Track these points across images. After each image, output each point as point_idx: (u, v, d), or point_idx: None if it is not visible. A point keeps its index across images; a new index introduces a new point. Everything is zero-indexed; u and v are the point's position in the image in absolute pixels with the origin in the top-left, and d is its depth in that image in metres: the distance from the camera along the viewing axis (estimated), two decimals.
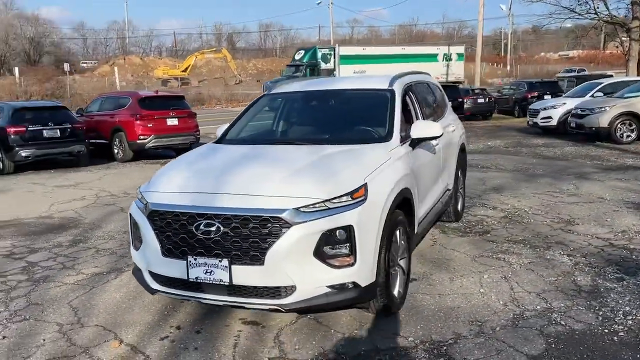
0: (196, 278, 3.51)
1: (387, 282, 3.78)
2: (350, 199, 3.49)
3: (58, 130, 12.21)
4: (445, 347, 3.52)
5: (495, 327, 3.78)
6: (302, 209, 3.37)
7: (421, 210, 4.70)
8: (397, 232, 4.01)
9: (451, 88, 22.11)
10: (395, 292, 4.01)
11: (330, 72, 32.56)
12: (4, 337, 3.91)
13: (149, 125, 12.93)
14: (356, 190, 3.54)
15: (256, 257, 3.36)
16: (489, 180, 9.19)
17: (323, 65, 33.77)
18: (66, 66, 41.50)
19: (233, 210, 3.43)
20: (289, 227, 3.33)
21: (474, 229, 6.26)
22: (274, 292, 3.43)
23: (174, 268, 3.59)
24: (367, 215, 3.52)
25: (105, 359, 3.54)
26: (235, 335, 3.80)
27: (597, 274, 4.71)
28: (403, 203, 4.16)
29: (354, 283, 3.48)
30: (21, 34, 76.19)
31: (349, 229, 3.41)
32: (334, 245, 3.42)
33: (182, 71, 63.21)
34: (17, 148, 11.70)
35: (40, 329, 4.02)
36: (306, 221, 3.35)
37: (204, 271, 3.48)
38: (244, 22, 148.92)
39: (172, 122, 13.38)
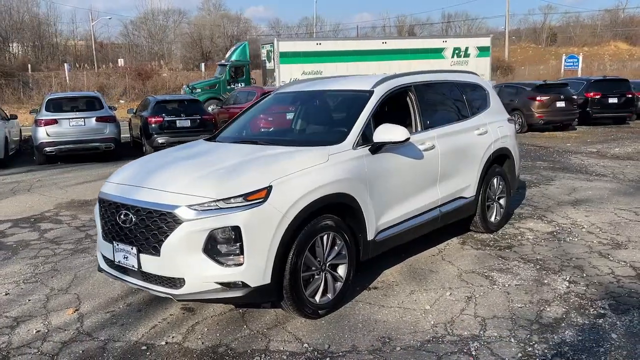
0: (119, 262, 3.95)
1: (296, 285, 3.80)
2: (243, 200, 3.60)
3: (189, 121, 13.72)
4: (328, 359, 3.46)
5: (396, 347, 3.59)
6: (193, 207, 3.59)
7: (385, 217, 4.54)
8: (325, 237, 3.99)
9: (617, 81, 19.44)
10: (317, 298, 3.99)
11: (271, 74, 27.09)
12: (6, 294, 4.77)
13: None
14: (253, 192, 3.64)
15: (155, 248, 3.67)
16: (579, 191, 8.17)
17: (268, 65, 27.44)
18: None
19: (142, 203, 3.78)
20: (180, 223, 3.58)
21: (500, 242, 5.75)
22: (170, 282, 3.70)
23: (108, 251, 4.07)
24: (261, 218, 3.59)
25: (53, 322, 4.15)
26: (164, 318, 4.15)
27: (579, 307, 4.09)
28: (338, 208, 4.10)
29: (242, 282, 3.60)
30: (224, 32, 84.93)
31: (237, 230, 3.53)
32: (223, 243, 3.57)
33: None
34: (155, 135, 13.46)
35: (37, 291, 4.81)
36: (195, 219, 3.56)
37: (123, 256, 3.90)
38: (428, 12, 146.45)
39: None
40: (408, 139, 4.47)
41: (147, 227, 3.72)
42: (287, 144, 4.56)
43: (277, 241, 3.65)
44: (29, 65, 38.70)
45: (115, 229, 3.95)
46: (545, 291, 4.40)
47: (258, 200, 3.62)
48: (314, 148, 4.29)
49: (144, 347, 3.70)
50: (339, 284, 4.18)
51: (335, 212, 4.14)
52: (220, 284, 3.61)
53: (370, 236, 4.41)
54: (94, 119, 12.81)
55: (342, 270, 4.20)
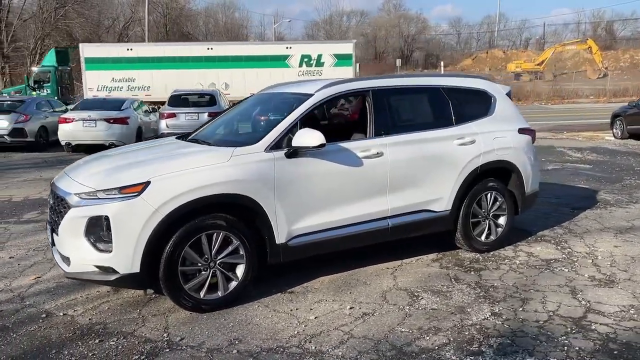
0: (50, 239, 4.56)
1: (172, 277, 4.02)
2: (118, 193, 3.93)
3: (357, 117, 14.33)
4: (167, 350, 3.64)
5: (235, 349, 3.62)
6: (80, 195, 4.02)
7: (302, 223, 4.50)
8: (215, 236, 4.14)
9: None
10: (201, 293, 4.16)
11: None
12: (10, 257, 5.71)
13: None
14: (128, 186, 3.95)
15: (56, 230, 4.19)
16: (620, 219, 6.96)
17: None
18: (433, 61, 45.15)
19: (58, 189, 4.32)
20: (69, 208, 4.04)
21: (476, 264, 5.25)
22: (65, 260, 4.19)
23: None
24: (131, 211, 3.88)
25: (13, 283, 4.92)
26: (88, 294, 4.66)
27: (463, 341, 3.67)
28: (238, 208, 4.21)
29: (112, 269, 3.94)
30: (399, 32, 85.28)
31: (107, 219, 3.88)
32: (99, 231, 3.95)
33: (537, 64, 60.70)
34: None
35: (33, 258, 5.68)
36: (78, 206, 3.99)
37: (49, 234, 4.50)
38: (633, 7, 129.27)
39: None
40: (323, 145, 4.37)
41: (56, 210, 4.25)
42: (212, 143, 4.76)
43: (147, 234, 3.89)
44: None
45: (49, 211, 4.55)
46: (452, 319, 3.99)
47: (132, 194, 3.91)
48: (221, 148, 4.44)
49: (43, 315, 4.22)
50: (233, 283, 4.28)
51: (236, 212, 4.24)
52: (97, 267, 3.98)
53: (280, 240, 4.42)
54: (206, 114, 14.04)
55: (240, 270, 4.29)
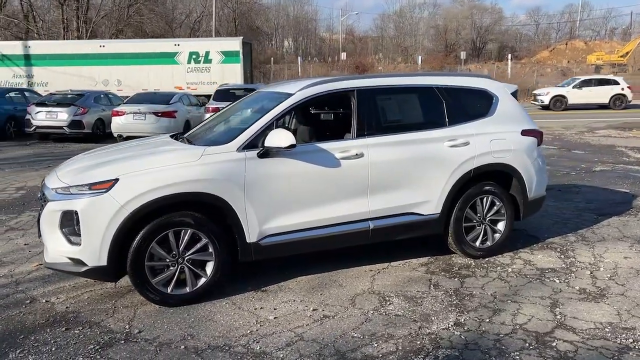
0: None
1: (138, 271, 4.16)
2: (88, 189, 4.12)
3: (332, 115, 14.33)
4: (122, 342, 3.79)
5: (183, 345, 3.72)
6: (57, 190, 4.24)
7: (274, 222, 4.53)
8: (183, 233, 4.25)
9: None
10: (168, 288, 4.28)
11: None
12: (25, 244, 6.12)
13: None
14: (97, 183, 4.12)
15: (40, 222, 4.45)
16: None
17: None
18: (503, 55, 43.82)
19: (44, 184, 4.57)
20: (47, 202, 4.28)
21: (463, 270, 5.09)
22: (45, 250, 4.44)
23: None
24: (98, 206, 4.06)
25: (17, 269, 5.27)
26: (75, 282, 4.91)
27: (411, 351, 3.58)
28: (207, 207, 4.31)
29: (81, 261, 4.14)
30: (472, 24, 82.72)
31: (76, 214, 4.08)
32: (71, 224, 4.16)
33: (621, 56, 57.17)
34: None
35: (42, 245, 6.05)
36: (54, 200, 4.22)
37: (38, 226, 4.77)
38: None
39: None
40: (293, 145, 4.37)
41: (41, 203, 4.51)
42: (195, 142, 4.87)
43: (113, 229, 4.05)
44: (272, 59, 43.97)
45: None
46: (410, 327, 3.90)
47: (100, 191, 4.08)
48: (195, 147, 4.54)
49: (28, 301, 4.50)
50: (202, 280, 4.37)
51: (205, 210, 4.33)
52: (69, 259, 4.19)
53: (251, 239, 4.47)
54: (250, 109, 14.29)
55: (209, 268, 4.39)
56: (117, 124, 14.77)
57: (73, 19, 37.39)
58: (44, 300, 4.50)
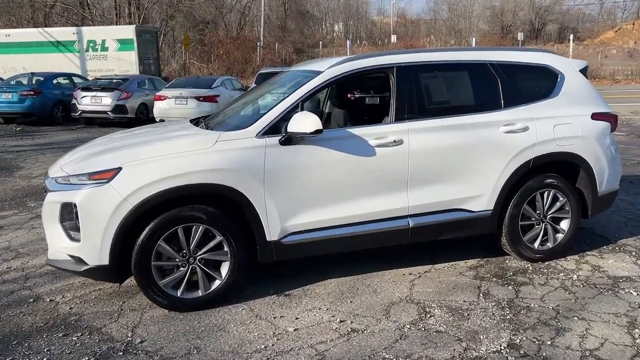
0: None
1: (144, 272, 3.71)
2: (87, 179, 3.67)
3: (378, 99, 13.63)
4: (121, 353, 3.35)
5: None
6: (57, 179, 3.82)
7: (299, 218, 3.98)
8: (194, 229, 3.76)
9: None
10: (178, 291, 3.81)
11: None
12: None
13: None
14: (98, 172, 3.67)
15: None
16: None
17: None
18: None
19: (46, 176, 4.16)
20: (47, 192, 3.87)
21: (520, 277, 4.39)
22: (48, 245, 4.04)
23: None
24: (99, 198, 3.61)
25: (29, 263, 4.94)
26: (82, 280, 4.52)
27: None
28: (217, 200, 3.82)
29: (81, 259, 3.71)
30: (531, 4, 79.11)
31: (75, 206, 3.65)
32: (71, 218, 3.73)
33: None
34: None
35: None
36: (53, 190, 3.80)
37: None
38: None
39: None
40: (319, 131, 3.78)
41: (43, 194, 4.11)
42: (212, 127, 4.35)
43: (115, 224, 3.60)
44: (320, 42, 43.26)
45: None
46: (453, 348, 3.27)
47: (101, 181, 3.63)
48: (210, 132, 4.03)
49: (31, 300, 4.13)
50: (216, 282, 3.88)
51: (219, 204, 3.83)
52: (71, 256, 3.77)
53: (272, 237, 3.94)
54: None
55: (224, 269, 3.89)
56: (159, 109, 14.56)
57: (125, 5, 37.81)
58: (48, 299, 4.12)
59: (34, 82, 16.65)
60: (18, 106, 15.80)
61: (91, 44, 24.26)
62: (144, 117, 16.01)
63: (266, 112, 3.99)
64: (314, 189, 3.97)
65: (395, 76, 4.25)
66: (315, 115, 3.80)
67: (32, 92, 15.85)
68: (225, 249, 3.85)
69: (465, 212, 4.40)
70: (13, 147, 12.24)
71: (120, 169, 3.65)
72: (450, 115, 4.34)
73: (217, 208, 3.81)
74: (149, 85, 16.97)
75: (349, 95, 5.58)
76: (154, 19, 40.01)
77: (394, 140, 4.11)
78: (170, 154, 3.74)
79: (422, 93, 4.35)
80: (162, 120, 14.44)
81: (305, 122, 3.78)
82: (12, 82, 17.07)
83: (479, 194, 4.39)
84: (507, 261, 4.70)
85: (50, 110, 16.28)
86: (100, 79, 17.52)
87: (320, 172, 3.97)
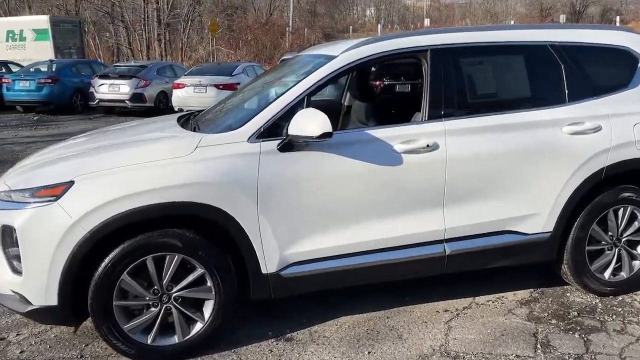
0: None
1: (104, 314, 2.91)
2: (30, 196, 2.87)
3: (409, 86, 12.59)
4: None
5: None
6: None
7: (304, 245, 3.12)
8: (168, 259, 2.95)
9: None
10: (149, 338, 3.00)
11: None
12: None
13: None
14: (44, 187, 2.87)
15: None
16: None
17: None
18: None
19: None
20: None
21: (589, 318, 3.45)
22: None
23: None
24: (44, 221, 2.81)
25: None
26: None
27: None
28: (196, 223, 2.98)
29: (24, 297, 2.93)
30: None
31: (13, 231, 2.86)
32: (12, 245, 2.95)
33: None
34: None
35: None
36: None
37: None
38: None
39: None
40: (328, 134, 2.90)
41: None
42: (200, 126, 3.50)
43: (64, 254, 2.80)
44: (350, 27, 42.02)
45: None
46: None
47: (47, 199, 2.83)
48: (190, 135, 3.19)
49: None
50: (197, 326, 3.06)
51: (200, 228, 3.00)
52: (15, 292, 2.99)
53: (268, 269, 3.09)
54: None
55: (208, 308, 3.06)
56: (178, 97, 13.85)
57: None
58: None
59: (52, 69, 16.12)
60: (35, 94, 15.29)
61: (11, 34, 24.03)
62: (163, 105, 15.34)
63: (261, 110, 3.12)
64: (323, 207, 3.10)
65: (430, 62, 3.32)
66: (324, 114, 2.91)
67: (50, 80, 15.31)
68: (209, 284, 3.02)
69: (517, 234, 3.47)
70: (24, 138, 11.68)
71: (71, 183, 2.84)
72: (500, 112, 3.40)
73: (197, 233, 2.98)
74: (169, 73, 16.28)
75: (369, 87, 4.67)
76: (181, 5, 39.40)
77: (427, 145, 3.19)
78: (137, 164, 2.91)
79: (464, 83, 3.42)
80: (180, 110, 13.72)
81: (310, 122, 2.90)
82: (31, 70, 16.58)
83: (535, 213, 3.45)
84: (568, 294, 3.76)
85: (68, 98, 15.74)
86: (118, 66, 16.91)
87: (330, 186, 3.09)
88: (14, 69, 17.68)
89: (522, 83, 3.54)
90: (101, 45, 38.54)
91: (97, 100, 15.08)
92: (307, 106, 3.13)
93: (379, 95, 4.69)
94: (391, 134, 3.19)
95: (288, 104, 3.11)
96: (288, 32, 42.28)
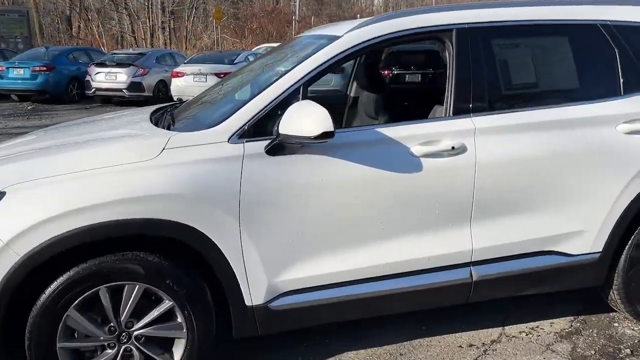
0: None
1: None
2: None
3: (420, 76, 11.90)
4: None
5: None
6: None
7: (298, 271, 2.52)
8: (128, 289, 2.35)
9: None
10: None
11: None
12: None
13: None
14: None
15: None
16: None
17: None
18: None
19: None
20: None
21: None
22: None
23: None
24: None
25: None
26: None
27: None
28: (164, 245, 2.38)
29: None
30: None
31: None
32: None
33: None
34: None
35: None
36: None
37: None
38: None
39: None
40: (329, 133, 2.28)
41: None
42: (177, 122, 2.88)
43: None
44: (358, 15, 41.13)
45: None
46: None
47: None
48: (155, 133, 2.58)
49: None
50: None
51: (168, 251, 2.40)
52: None
53: (254, 300, 2.49)
54: None
55: (178, 350, 2.46)
56: (177, 87, 13.23)
57: None
58: None
59: (48, 57, 15.52)
60: (30, 83, 14.69)
61: None
62: (162, 95, 14.73)
63: (246, 102, 2.50)
64: (322, 224, 2.49)
65: (455, 44, 2.69)
66: (324, 108, 2.29)
67: (45, 68, 14.70)
68: (179, 319, 2.43)
69: (559, 255, 2.85)
70: (15, 129, 11.10)
71: (1, 195, 2.23)
72: (540, 107, 2.76)
73: (164, 257, 2.37)
74: (169, 61, 15.65)
75: (379, 75, 4.04)
76: None
77: (452, 148, 2.57)
78: (86, 171, 2.31)
79: (497, 71, 2.78)
80: (180, 100, 13.12)
81: (307, 118, 2.29)
82: (26, 57, 15.99)
83: (582, 229, 2.83)
84: (616, 324, 3.14)
85: (64, 87, 15.13)
86: (116, 53, 16.29)
87: (331, 198, 2.48)
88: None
89: (567, 71, 2.90)
90: (105, 34, 38.03)
91: (93, 90, 14.48)
92: (304, 98, 2.51)
93: (391, 85, 4.05)
94: (407, 134, 2.56)
95: (279, 95, 2.49)
96: (294, 20, 41.50)
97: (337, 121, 4.02)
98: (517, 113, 2.70)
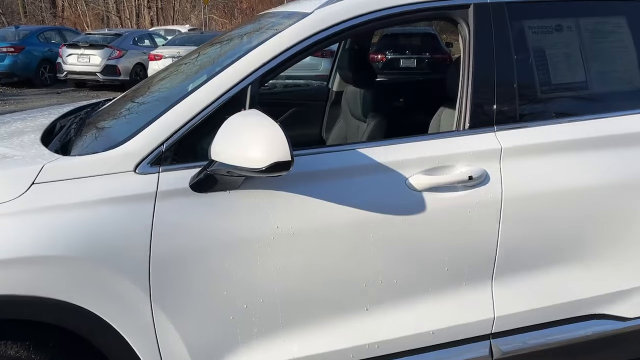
0: None
1: None
2: None
3: (415, 60, 11.08)
4: None
5: None
6: None
7: (255, 355, 1.71)
8: None
9: None
10: None
11: None
12: None
13: None
14: None
15: None
16: None
17: None
18: None
19: None
20: None
21: None
22: None
23: None
24: None
25: None
26: None
27: None
28: (33, 331, 1.57)
29: None
30: None
31: None
32: None
33: None
34: None
35: None
36: None
37: None
38: None
39: None
40: (284, 164, 1.46)
41: None
42: (73, 140, 2.05)
43: None
44: None
45: None
46: None
47: None
48: (32, 155, 1.75)
49: None
50: None
51: (41, 340, 1.59)
52: None
53: None
54: None
55: None
56: (154, 70, 12.30)
57: None
58: None
59: (17, 37, 14.52)
60: None
61: None
62: (140, 79, 13.78)
63: (164, 112, 1.67)
64: (276, 295, 1.69)
65: (474, 26, 1.87)
66: (276, 123, 1.48)
67: (13, 49, 13.73)
68: None
69: (609, 320, 2.07)
70: None
71: None
72: (595, 116, 1.95)
73: (35, 347, 1.57)
74: (148, 42, 14.69)
75: (368, 65, 3.18)
76: None
77: (470, 178, 1.76)
78: None
79: (532, 64, 1.95)
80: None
81: (250, 140, 1.47)
82: None
83: (638, 286, 2.04)
84: None
85: (35, 70, 14.18)
86: (90, 33, 15.30)
87: (289, 256, 1.68)
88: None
89: (626, 64, 2.08)
90: (89, 13, 36.84)
91: (65, 73, 13.54)
92: (252, 103, 1.69)
93: (371, 87, 3.20)
94: (403, 157, 1.75)
95: (215, 99, 1.68)
96: (286, 0, 40.38)
97: (316, 123, 3.23)
98: (561, 125, 1.90)
